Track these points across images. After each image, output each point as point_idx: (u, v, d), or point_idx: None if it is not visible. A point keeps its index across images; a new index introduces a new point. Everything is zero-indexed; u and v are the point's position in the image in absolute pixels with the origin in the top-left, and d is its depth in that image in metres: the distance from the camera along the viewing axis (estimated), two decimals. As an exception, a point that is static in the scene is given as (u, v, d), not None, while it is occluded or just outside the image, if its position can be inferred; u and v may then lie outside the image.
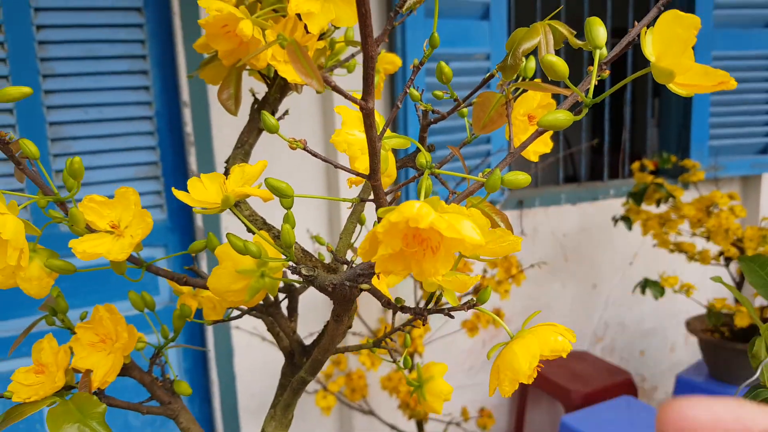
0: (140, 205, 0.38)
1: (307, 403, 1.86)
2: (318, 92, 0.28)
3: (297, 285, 0.50)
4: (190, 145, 1.80)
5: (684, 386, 2.09)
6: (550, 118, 0.28)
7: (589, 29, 0.30)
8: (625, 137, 2.59)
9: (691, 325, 2.09)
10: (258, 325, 1.71)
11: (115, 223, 0.37)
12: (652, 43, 0.26)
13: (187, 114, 1.79)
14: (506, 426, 2.39)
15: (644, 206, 2.08)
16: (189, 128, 1.79)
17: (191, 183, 0.35)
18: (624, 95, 2.70)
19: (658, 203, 1.96)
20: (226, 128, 1.83)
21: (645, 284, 1.91)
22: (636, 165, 2.16)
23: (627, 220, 2.03)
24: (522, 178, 0.30)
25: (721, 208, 1.91)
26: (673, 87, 0.25)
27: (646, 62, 0.30)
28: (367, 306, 1.94)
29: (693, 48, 0.25)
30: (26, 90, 0.39)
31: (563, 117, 0.28)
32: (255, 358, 1.92)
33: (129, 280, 0.43)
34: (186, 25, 1.76)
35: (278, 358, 1.56)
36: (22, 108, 1.69)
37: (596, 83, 0.31)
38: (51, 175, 1.77)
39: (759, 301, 2.10)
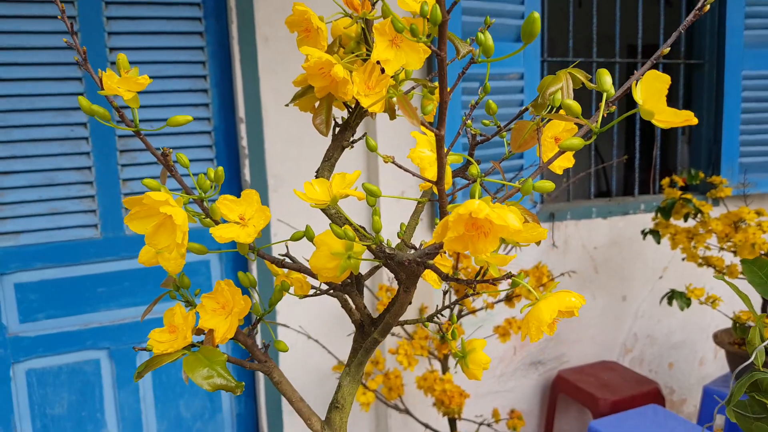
0: (260, 203, 0.50)
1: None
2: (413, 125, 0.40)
3: (365, 272, 0.62)
4: (244, 157, 1.96)
5: (710, 398, 2.14)
6: (568, 142, 0.40)
7: (599, 78, 0.41)
8: (656, 153, 2.66)
9: (719, 338, 2.15)
10: (304, 323, 1.84)
11: (242, 216, 0.50)
12: (640, 92, 0.37)
13: (242, 129, 1.94)
14: (536, 431, 2.47)
15: (673, 221, 2.15)
16: (244, 142, 1.94)
17: (307, 186, 0.48)
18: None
19: (685, 218, 2.04)
20: (278, 143, 1.98)
21: (672, 295, 1.98)
22: (666, 181, 2.24)
23: (655, 233, 2.11)
24: (548, 185, 0.42)
25: (749, 223, 1.98)
26: (654, 122, 0.36)
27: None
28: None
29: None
30: (188, 118, 0.51)
31: (578, 142, 0.40)
32: (299, 357, 2.04)
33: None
34: (243, 48, 1.92)
35: (320, 358, 1.71)
36: (95, 125, 1.87)
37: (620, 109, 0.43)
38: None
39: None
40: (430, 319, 0.59)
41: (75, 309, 1.94)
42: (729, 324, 2.28)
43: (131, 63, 1.60)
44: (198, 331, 0.56)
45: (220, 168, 0.50)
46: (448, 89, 0.38)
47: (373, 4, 0.57)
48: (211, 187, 0.51)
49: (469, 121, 0.49)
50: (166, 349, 0.54)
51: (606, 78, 0.41)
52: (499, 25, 2.17)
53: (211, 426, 2.12)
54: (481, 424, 1.85)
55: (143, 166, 1.95)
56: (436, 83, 0.55)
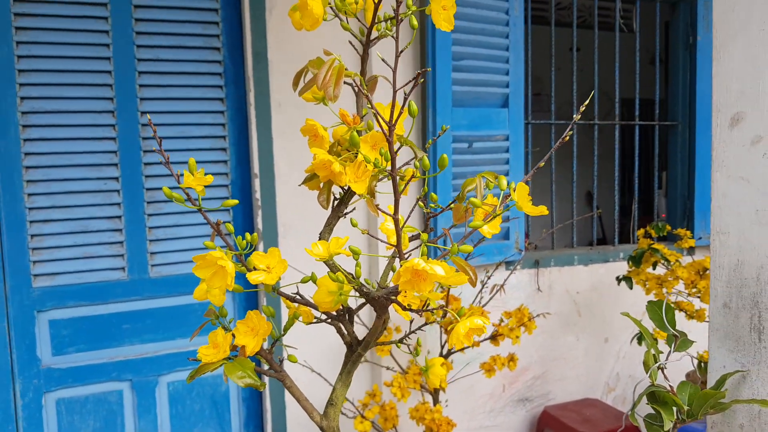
0: (281, 257, 0.73)
1: (346, 428, 2.17)
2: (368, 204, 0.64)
3: (356, 304, 0.85)
4: (257, 208, 2.20)
5: (683, 430, 2.32)
6: (474, 224, 0.63)
7: (499, 181, 0.65)
8: (635, 207, 2.90)
9: (690, 377, 2.34)
10: (308, 358, 2.05)
11: (268, 266, 0.73)
12: (517, 196, 0.60)
13: (256, 183, 2.19)
14: (523, 465, 2.63)
15: (650, 270, 2.37)
16: (258, 194, 2.19)
17: (313, 245, 0.71)
18: (652, 167, 3.02)
19: (654, 266, 2.26)
20: (287, 196, 2.22)
21: (641, 336, 2.18)
22: (641, 232, 2.46)
23: (628, 280, 2.32)
24: (466, 247, 0.64)
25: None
26: (525, 212, 0.59)
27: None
28: (398, 352, 2.26)
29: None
30: (234, 201, 0.75)
31: (479, 223, 0.63)
32: (303, 388, 2.23)
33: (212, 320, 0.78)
34: (259, 112, 2.18)
35: (323, 393, 1.92)
36: (126, 180, 2.11)
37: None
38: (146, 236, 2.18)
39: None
40: (401, 340, 0.81)
41: (102, 343, 2.15)
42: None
43: (159, 125, 1.89)
44: (233, 347, 0.78)
45: (255, 234, 0.73)
46: (398, 193, 0.61)
47: (362, 118, 0.82)
48: (247, 246, 0.74)
49: (421, 204, 0.72)
50: (211, 360, 0.76)
51: (503, 181, 0.64)
52: (487, 93, 2.44)
53: (222, 454, 2.31)
54: (468, 452, 2.03)
55: (167, 216, 2.18)
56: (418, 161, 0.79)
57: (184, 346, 2.24)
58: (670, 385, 0.87)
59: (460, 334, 0.63)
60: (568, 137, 0.63)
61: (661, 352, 0.94)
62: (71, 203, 2.07)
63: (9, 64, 1.95)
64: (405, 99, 0.55)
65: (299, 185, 0.80)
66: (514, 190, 0.60)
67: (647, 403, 0.89)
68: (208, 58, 2.17)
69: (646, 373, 0.89)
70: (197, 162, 2.22)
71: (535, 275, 2.59)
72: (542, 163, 0.65)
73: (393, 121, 0.56)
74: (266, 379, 2.29)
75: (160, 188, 2.16)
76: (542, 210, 0.62)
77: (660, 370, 0.90)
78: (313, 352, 2.22)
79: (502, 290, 2.22)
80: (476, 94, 2.39)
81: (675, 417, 0.85)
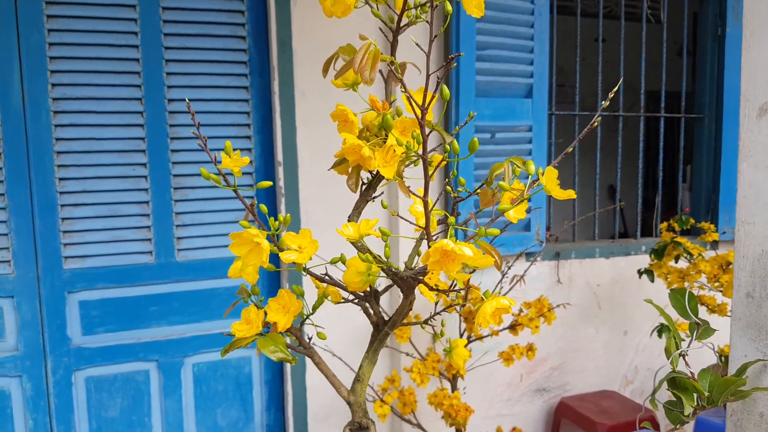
0: (312, 238, 0.75)
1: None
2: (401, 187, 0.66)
3: (381, 288, 0.87)
4: (281, 196, 2.23)
5: (703, 427, 2.31)
6: (501, 207, 0.65)
7: (527, 166, 0.66)
8: (658, 200, 2.88)
9: (713, 371, 2.33)
10: (330, 342, 2.08)
11: (300, 246, 0.75)
12: (545, 179, 0.62)
13: (280, 171, 2.22)
14: (541, 454, 2.65)
15: (672, 263, 2.36)
16: (281, 183, 2.22)
17: (344, 227, 0.73)
18: (677, 161, 3.00)
19: (676, 259, 2.25)
20: (310, 185, 2.25)
21: (661, 328, 2.18)
22: (664, 225, 2.45)
23: (650, 273, 2.32)
24: (493, 231, 0.66)
25: (735, 265, 2.18)
26: (553, 195, 0.61)
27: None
28: (419, 337, 2.29)
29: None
30: (268, 183, 0.77)
31: (506, 207, 0.65)
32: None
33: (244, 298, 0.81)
34: (283, 101, 2.21)
35: (344, 376, 1.93)
36: (153, 166, 2.15)
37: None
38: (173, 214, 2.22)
39: None
40: (426, 321, 0.84)
41: (130, 324, 2.21)
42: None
43: (185, 113, 1.92)
44: (265, 324, 0.81)
45: (288, 215, 0.76)
46: (428, 171, 0.63)
47: (391, 104, 0.84)
48: (279, 227, 0.77)
49: (449, 188, 0.74)
50: (244, 335, 0.79)
51: (531, 166, 0.66)
52: (511, 83, 2.44)
53: (244, 435, 2.36)
54: (486, 440, 2.05)
55: (193, 202, 2.22)
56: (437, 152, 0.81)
57: (209, 328, 2.28)
58: (691, 372, 0.89)
59: (486, 314, 0.65)
60: (596, 124, 0.65)
61: (683, 340, 0.95)
62: (101, 188, 2.12)
63: (41, 51, 2.00)
64: (438, 84, 0.56)
65: (328, 170, 0.82)
66: (542, 174, 0.62)
67: (667, 389, 0.90)
68: (233, 47, 2.20)
69: (668, 359, 0.91)
70: (221, 149, 2.27)
71: (556, 267, 2.60)
72: (570, 149, 0.66)
73: (426, 105, 0.58)
74: (288, 366, 2.33)
75: (187, 175, 2.20)
76: (570, 194, 0.64)
77: (681, 357, 0.91)
78: (337, 340, 2.26)
79: (523, 281, 2.23)
80: (500, 84, 2.40)
81: (695, 403, 0.86)
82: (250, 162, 2.27)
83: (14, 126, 2.00)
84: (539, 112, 2.48)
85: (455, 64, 2.31)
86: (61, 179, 2.07)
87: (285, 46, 2.19)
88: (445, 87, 0.59)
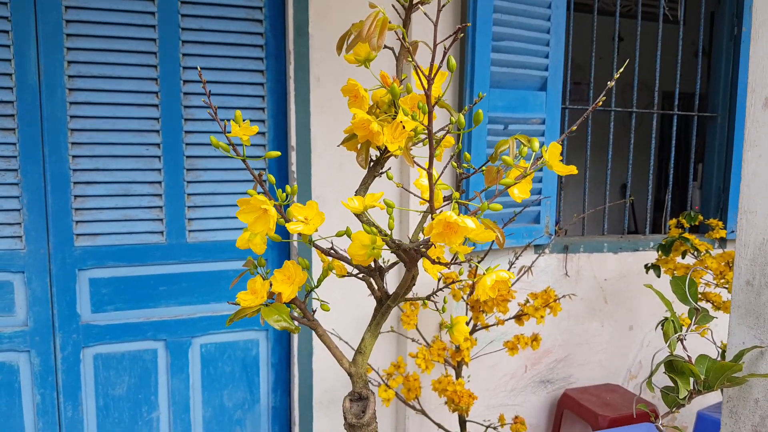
0: (318, 209, 0.77)
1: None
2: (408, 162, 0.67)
3: (387, 260, 0.89)
4: (293, 180, 2.25)
5: (703, 422, 2.32)
6: (504, 181, 0.66)
7: (531, 143, 0.67)
8: (668, 198, 2.88)
9: (715, 368, 2.33)
10: (336, 327, 2.11)
11: (306, 217, 0.77)
12: (548, 154, 0.63)
13: (293, 156, 2.24)
14: (542, 446, 2.66)
15: (679, 259, 2.36)
16: (294, 167, 2.24)
17: (349, 199, 0.75)
18: (688, 160, 3.00)
19: (683, 255, 2.25)
20: (322, 170, 2.27)
21: (665, 321, 2.18)
22: (673, 221, 2.45)
23: (657, 268, 2.32)
24: (496, 206, 0.67)
25: (742, 263, 2.17)
26: (554, 170, 0.62)
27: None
28: (425, 324, 2.30)
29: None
30: (278, 153, 0.79)
31: (510, 181, 0.66)
32: (330, 358, 2.29)
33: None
34: (298, 85, 2.22)
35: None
36: (167, 146, 2.18)
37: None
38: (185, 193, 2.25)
39: None
40: (429, 297, 0.85)
41: (139, 303, 2.24)
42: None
43: (201, 94, 1.93)
44: (270, 294, 0.83)
45: (296, 186, 0.78)
46: (433, 143, 0.65)
47: (402, 81, 0.85)
48: (286, 197, 0.78)
49: (454, 163, 0.75)
50: (249, 304, 0.81)
51: (535, 143, 0.67)
52: (525, 75, 2.44)
53: (250, 416, 2.39)
54: (488, 427, 2.07)
55: (205, 183, 2.25)
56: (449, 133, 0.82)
57: (217, 310, 2.31)
58: (688, 356, 0.90)
59: (486, 286, 0.67)
60: (600, 103, 0.66)
61: (683, 325, 0.96)
62: (114, 167, 2.15)
63: (58, 29, 2.02)
64: (444, 54, 0.58)
65: (338, 146, 0.84)
66: (546, 150, 0.63)
67: (664, 372, 0.92)
68: (250, 30, 2.22)
69: (665, 343, 0.92)
70: (236, 132, 2.29)
71: (564, 260, 2.60)
72: (574, 128, 0.68)
73: (432, 74, 0.59)
74: (295, 348, 2.35)
75: (200, 156, 2.23)
76: (571, 169, 0.65)
77: (680, 341, 0.92)
78: (344, 326, 2.28)
79: (530, 272, 2.24)
80: (514, 75, 2.40)
81: (691, 387, 0.88)
82: (264, 146, 2.29)
83: (29, 102, 2.03)
84: (553, 106, 2.49)
85: (466, 56, 2.32)
86: (74, 157, 2.10)
87: (301, 30, 2.21)
88: (451, 57, 0.61)
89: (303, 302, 0.87)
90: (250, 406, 2.39)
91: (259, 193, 0.79)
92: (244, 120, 0.76)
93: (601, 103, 0.65)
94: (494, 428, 2.06)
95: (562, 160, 0.68)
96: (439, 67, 0.59)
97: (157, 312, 2.26)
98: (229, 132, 0.74)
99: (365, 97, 0.83)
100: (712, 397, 2.85)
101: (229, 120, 0.80)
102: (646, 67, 3.02)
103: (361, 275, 0.87)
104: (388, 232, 0.73)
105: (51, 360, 2.16)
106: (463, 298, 2.12)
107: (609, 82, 0.69)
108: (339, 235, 0.80)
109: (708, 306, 2.32)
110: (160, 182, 2.20)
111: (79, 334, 2.18)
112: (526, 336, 2.11)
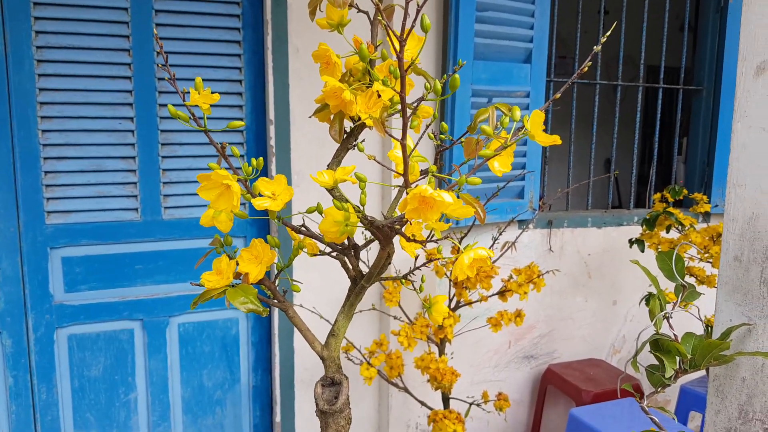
0: (287, 184, 0.72)
1: (353, 373, 2.20)
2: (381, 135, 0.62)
3: (368, 237, 0.84)
4: (271, 155, 2.19)
5: (686, 396, 2.33)
6: (483, 152, 0.62)
7: (512, 112, 0.63)
8: (652, 172, 2.85)
9: (698, 342, 2.33)
10: (318, 305, 2.07)
11: (274, 192, 0.72)
12: (530, 123, 0.58)
13: (271, 130, 2.18)
14: (526, 419, 2.67)
15: (663, 233, 2.34)
16: (272, 141, 2.18)
17: (319, 173, 0.70)
18: (673, 135, 2.97)
19: (668, 229, 2.23)
20: (302, 144, 2.21)
21: (649, 297, 2.17)
22: (657, 196, 2.43)
23: (641, 243, 2.30)
24: (475, 179, 0.63)
25: (726, 237, 2.16)
26: (536, 140, 0.57)
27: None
28: (408, 301, 2.27)
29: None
30: (242, 123, 0.74)
31: (490, 153, 0.62)
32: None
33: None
34: (276, 57, 2.15)
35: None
36: (141, 120, 2.11)
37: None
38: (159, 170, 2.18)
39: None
40: (406, 276, 0.81)
41: (114, 283, 2.18)
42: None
43: (176, 66, 1.86)
44: (236, 275, 0.78)
45: (261, 159, 0.73)
46: (407, 115, 0.60)
47: (376, 47, 0.80)
48: (253, 171, 0.73)
49: (430, 134, 0.70)
50: (214, 286, 0.76)
51: (516, 112, 0.62)
52: (510, 47, 2.38)
53: (230, 395, 2.36)
54: (471, 403, 2.05)
55: (181, 159, 2.18)
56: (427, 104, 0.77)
57: (196, 288, 2.26)
58: (674, 334, 0.87)
59: (464, 265, 0.63)
60: (586, 69, 0.61)
61: (668, 302, 0.93)
62: (85, 141, 2.08)
63: (25, -3, 1.93)
64: (417, 11, 0.53)
65: (309, 117, 0.79)
66: (528, 120, 0.59)
67: (650, 351, 0.89)
68: (225, -1, 2.14)
69: (651, 321, 0.89)
70: (213, 106, 2.22)
71: (548, 235, 2.58)
72: (558, 95, 0.63)
73: (405, 35, 0.54)
74: (276, 327, 2.32)
75: (175, 130, 2.15)
76: (555, 139, 0.60)
77: (665, 319, 0.89)
78: (321, 300, 2.24)
79: (514, 248, 2.21)
80: (498, 47, 2.34)
81: (677, 366, 0.85)
82: (241, 119, 2.22)
83: (-5, 75, 1.94)
84: (537, 79, 2.43)
85: (450, 27, 2.25)
86: (44, 131, 2.02)
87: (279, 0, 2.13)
88: (425, 16, 0.56)
89: (273, 282, 0.82)
90: (231, 385, 2.36)
91: (222, 167, 0.74)
92: (220, 93, 0.71)
93: (586, 69, 0.60)
94: (477, 405, 2.04)
95: (545, 131, 0.64)
96: (412, 28, 0.54)
97: (133, 291, 2.21)
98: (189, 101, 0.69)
99: (338, 64, 0.78)
100: (698, 372, 2.87)
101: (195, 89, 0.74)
102: (632, 40, 2.96)
103: (334, 254, 0.82)
104: (361, 207, 0.68)
105: (23, 341, 2.10)
106: (446, 274, 2.09)
107: (594, 47, 0.64)
108: (310, 211, 0.75)
109: (692, 281, 2.31)
110: (134, 157, 2.13)
111: (52, 315, 2.12)
112: (510, 312, 2.09)
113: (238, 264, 0.79)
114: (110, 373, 2.22)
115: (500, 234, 2.18)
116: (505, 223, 2.26)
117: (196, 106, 0.71)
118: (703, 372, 2.47)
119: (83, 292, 2.16)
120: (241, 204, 0.71)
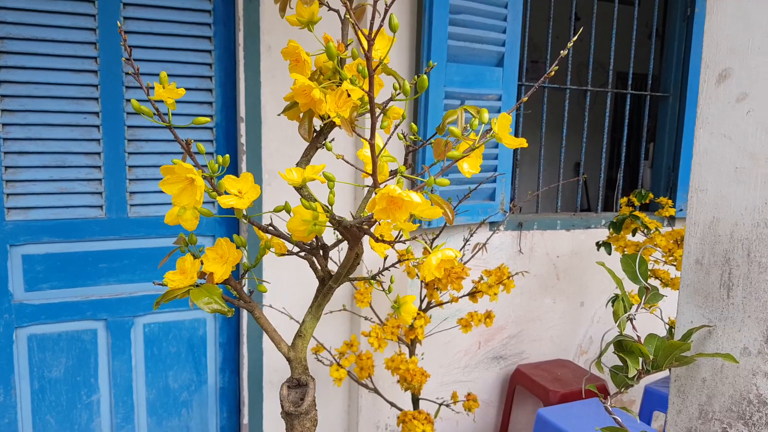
0: (254, 183, 0.71)
1: (323, 375, 2.19)
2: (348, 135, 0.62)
3: (333, 240, 0.83)
4: (242, 153, 2.17)
5: (650, 396, 2.37)
6: (450, 154, 0.62)
7: (480, 114, 0.63)
8: (620, 176, 2.90)
9: (661, 344, 2.38)
10: (288, 305, 2.05)
11: (240, 191, 0.71)
12: (497, 126, 0.58)
13: (242, 128, 2.15)
14: (495, 419, 2.69)
15: (629, 237, 2.38)
16: (243, 140, 2.15)
17: (287, 171, 0.69)
18: (641, 138, 3.02)
19: (633, 233, 2.27)
20: (274, 142, 2.19)
21: (615, 299, 2.20)
22: (624, 200, 2.47)
23: (608, 245, 2.33)
24: (443, 181, 0.63)
25: (690, 241, 2.20)
26: (503, 142, 0.57)
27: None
28: (379, 302, 2.27)
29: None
30: (207, 120, 0.73)
31: (458, 154, 0.61)
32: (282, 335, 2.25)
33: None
34: (247, 53, 2.13)
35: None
36: (106, 115, 2.06)
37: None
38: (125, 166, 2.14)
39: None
40: (374, 277, 0.80)
41: (77, 282, 2.13)
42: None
43: (144, 61, 1.82)
44: (201, 275, 0.77)
45: (227, 156, 0.71)
46: (375, 115, 0.59)
47: (347, 46, 0.79)
48: (219, 169, 0.72)
49: (400, 135, 0.70)
50: (177, 285, 0.75)
51: (485, 114, 0.63)
52: (482, 50, 2.39)
53: (197, 397, 2.32)
54: (441, 404, 2.06)
55: (148, 155, 2.14)
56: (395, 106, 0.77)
57: (162, 288, 2.22)
58: (638, 335, 0.88)
59: (431, 266, 0.62)
60: (552, 72, 0.61)
61: (633, 304, 0.94)
62: (48, 136, 2.02)
63: (-16, -15, 1.87)
64: (386, 10, 0.52)
65: (278, 114, 0.78)
66: (495, 122, 0.59)
67: (614, 352, 0.90)
68: (196, -6, 2.11)
69: (615, 322, 0.90)
70: (182, 102, 2.18)
71: (518, 237, 2.60)
72: (525, 98, 0.63)
73: (373, 34, 0.54)
74: (245, 328, 2.29)
75: (142, 126, 2.11)
76: (521, 142, 0.61)
77: (629, 321, 0.91)
78: (291, 300, 2.23)
79: (484, 249, 2.22)
80: (471, 50, 2.35)
81: (640, 366, 0.86)
82: (211, 116, 2.19)
83: (-46, 66, 1.88)
84: (509, 82, 2.45)
85: (423, 29, 2.25)
86: (4, 125, 1.96)
87: (250, -4, 2.11)
88: (393, 16, 0.55)
89: (239, 282, 0.81)
90: (197, 387, 2.33)
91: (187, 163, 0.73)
92: (190, 89, 0.69)
93: (553, 72, 0.60)
94: (447, 405, 2.05)
95: (511, 133, 0.64)
96: (381, 27, 0.53)
97: (96, 290, 2.16)
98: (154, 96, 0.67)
99: (307, 62, 0.77)
100: (662, 373, 2.93)
101: (176, 100, 0.73)
102: (602, 47, 3.01)
103: (302, 253, 0.81)
104: (329, 207, 0.67)
105: (-18, 341, 2.04)
106: (417, 275, 2.09)
107: (562, 51, 0.65)
108: (278, 210, 0.74)
109: (657, 283, 2.35)
110: (99, 153, 2.09)
111: (11, 314, 2.06)
112: (480, 313, 2.10)
113: (202, 263, 0.77)
114: (72, 375, 2.16)
115: (471, 235, 2.19)
116: (476, 224, 2.28)
117: (162, 101, 0.70)
118: (667, 372, 2.52)
119: (44, 291, 2.10)
120: (208, 203, 0.69)
